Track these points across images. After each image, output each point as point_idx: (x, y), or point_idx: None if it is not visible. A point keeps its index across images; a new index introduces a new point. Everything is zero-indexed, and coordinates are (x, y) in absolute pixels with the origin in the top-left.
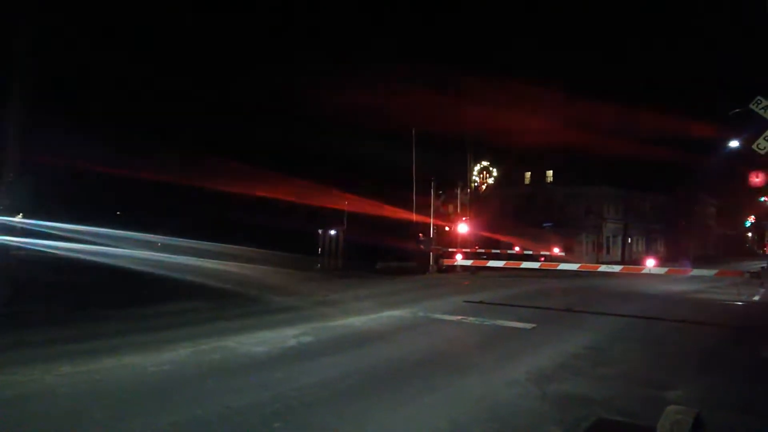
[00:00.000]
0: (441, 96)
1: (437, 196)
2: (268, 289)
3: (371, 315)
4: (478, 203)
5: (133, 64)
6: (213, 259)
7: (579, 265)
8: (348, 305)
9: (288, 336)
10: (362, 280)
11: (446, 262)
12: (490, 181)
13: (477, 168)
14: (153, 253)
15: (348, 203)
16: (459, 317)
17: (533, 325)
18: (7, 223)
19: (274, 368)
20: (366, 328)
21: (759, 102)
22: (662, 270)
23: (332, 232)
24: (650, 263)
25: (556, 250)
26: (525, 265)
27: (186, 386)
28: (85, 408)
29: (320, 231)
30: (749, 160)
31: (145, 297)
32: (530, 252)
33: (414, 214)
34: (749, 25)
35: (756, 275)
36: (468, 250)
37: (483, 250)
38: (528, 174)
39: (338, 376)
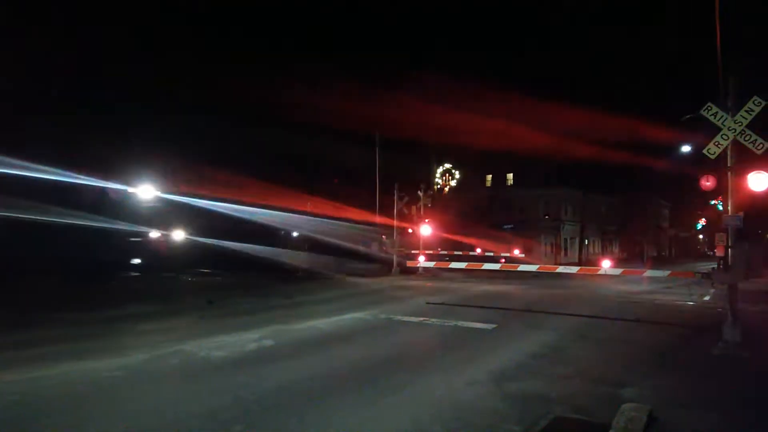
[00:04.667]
0: (404, 100)
1: (400, 198)
2: (230, 290)
3: (334, 317)
4: (441, 205)
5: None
6: None
7: (538, 266)
8: (310, 307)
9: (248, 339)
10: (325, 281)
11: (409, 263)
12: (453, 183)
13: (440, 170)
14: None
15: (311, 205)
16: (421, 318)
17: (494, 326)
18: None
19: (233, 372)
20: (328, 331)
21: (709, 108)
22: (617, 271)
23: (295, 233)
24: (606, 264)
25: (516, 252)
26: (486, 266)
27: (142, 392)
28: (34, 415)
29: (282, 232)
30: (701, 164)
31: None
32: (491, 253)
33: (377, 217)
34: (699, 33)
35: (707, 276)
36: (431, 251)
37: (445, 252)
38: (489, 176)
39: (299, 379)
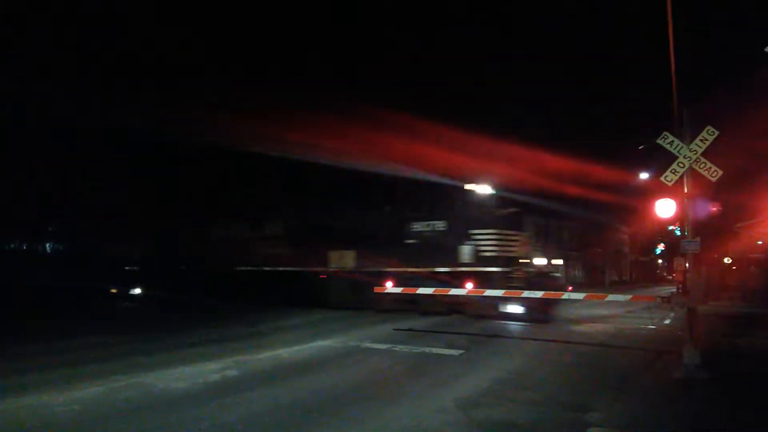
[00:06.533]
0: (367, 130)
1: None
2: (196, 317)
3: (300, 345)
4: None
5: None
6: None
7: (503, 291)
8: (276, 336)
9: (211, 370)
10: (292, 309)
11: (376, 290)
12: None
13: None
14: None
15: None
16: (388, 345)
17: (461, 352)
18: None
19: (194, 405)
20: (294, 360)
21: (666, 137)
22: (581, 295)
23: None
24: (569, 290)
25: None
26: (453, 292)
27: (98, 426)
28: None
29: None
30: (658, 190)
31: None
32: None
33: None
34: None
35: (667, 300)
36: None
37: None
38: None
39: (263, 411)
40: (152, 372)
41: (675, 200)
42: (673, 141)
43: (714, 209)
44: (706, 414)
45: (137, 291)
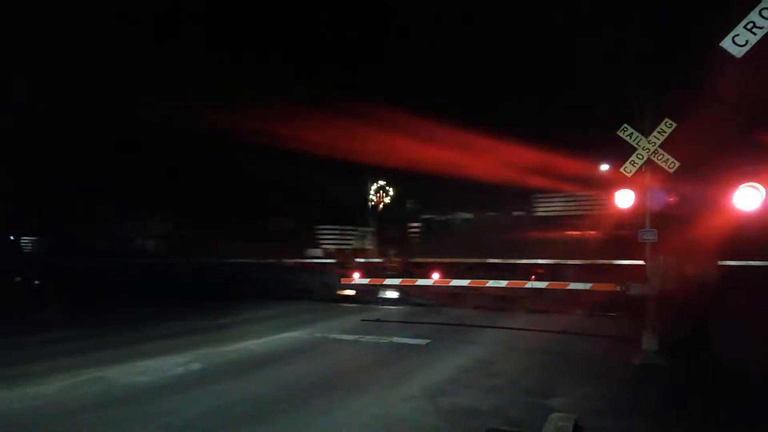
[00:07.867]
0: (332, 117)
1: None
2: (160, 312)
3: (267, 338)
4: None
5: None
6: None
7: (468, 281)
8: (242, 328)
9: (175, 363)
10: (260, 301)
11: (343, 281)
12: (387, 200)
13: (374, 187)
14: None
15: None
16: (356, 336)
17: (428, 341)
18: None
19: (159, 399)
20: (261, 352)
21: (625, 129)
22: (543, 284)
23: None
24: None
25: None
26: (420, 282)
27: (59, 422)
28: None
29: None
30: (617, 182)
31: None
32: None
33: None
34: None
35: (626, 288)
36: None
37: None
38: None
39: (229, 403)
40: (116, 366)
41: (634, 191)
42: (632, 133)
43: (671, 200)
44: (661, 399)
45: (391, 294)
